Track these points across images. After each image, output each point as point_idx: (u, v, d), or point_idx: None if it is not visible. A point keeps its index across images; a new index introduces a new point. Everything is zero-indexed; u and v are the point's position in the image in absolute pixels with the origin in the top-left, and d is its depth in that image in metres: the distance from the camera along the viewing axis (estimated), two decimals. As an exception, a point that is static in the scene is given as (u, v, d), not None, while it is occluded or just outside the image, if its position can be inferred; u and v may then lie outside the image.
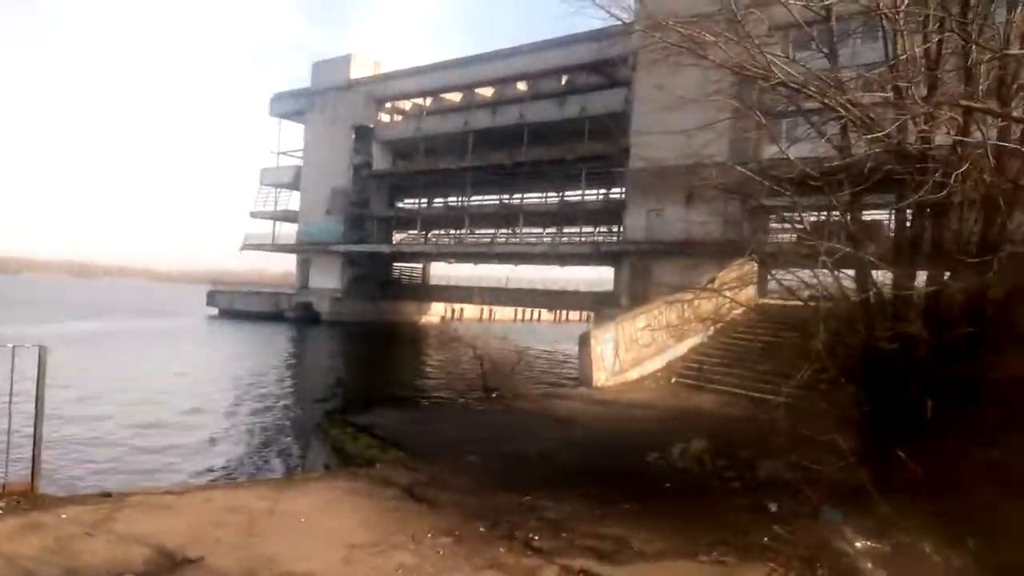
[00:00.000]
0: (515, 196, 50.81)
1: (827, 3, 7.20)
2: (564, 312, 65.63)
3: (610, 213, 41.97)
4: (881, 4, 7.17)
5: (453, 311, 63.02)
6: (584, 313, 47.71)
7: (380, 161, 53.87)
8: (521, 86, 47.32)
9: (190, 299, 69.87)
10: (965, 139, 5.38)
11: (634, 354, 18.13)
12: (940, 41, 6.81)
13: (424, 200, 58.00)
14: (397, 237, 57.95)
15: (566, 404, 15.19)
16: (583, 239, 46.40)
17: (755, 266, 11.89)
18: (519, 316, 68.56)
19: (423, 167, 50.90)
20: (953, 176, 5.76)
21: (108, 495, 7.34)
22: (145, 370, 26.12)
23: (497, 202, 50.37)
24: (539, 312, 68.24)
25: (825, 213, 9.04)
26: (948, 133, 6.54)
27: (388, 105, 55.49)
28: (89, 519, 6.49)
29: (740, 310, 13.44)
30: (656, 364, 18.53)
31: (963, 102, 5.79)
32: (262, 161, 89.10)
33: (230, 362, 30.48)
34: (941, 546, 6.11)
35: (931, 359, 6.75)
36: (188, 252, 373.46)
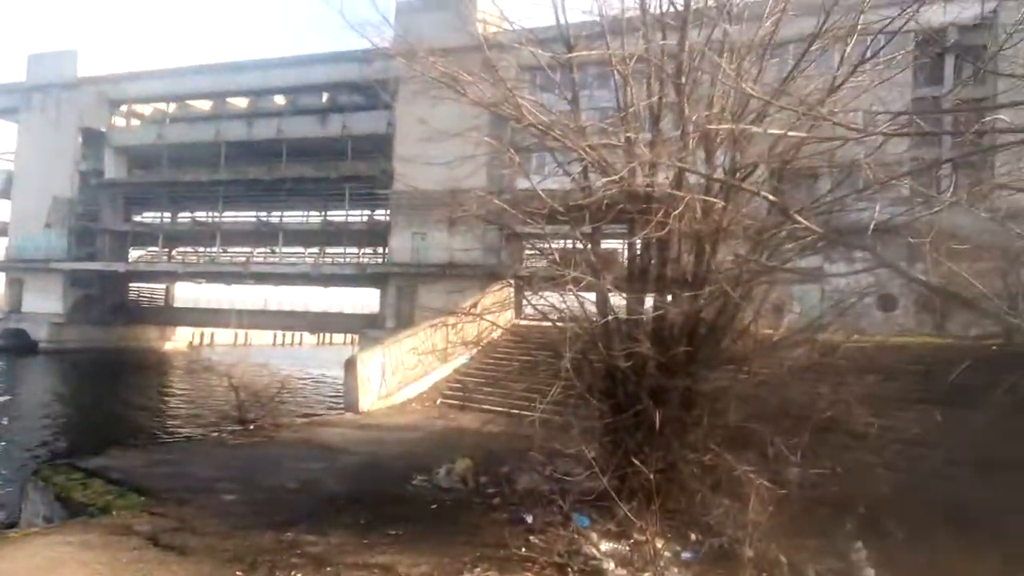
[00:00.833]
0: (274, 214, 48.43)
1: (569, 56, 7.99)
2: (328, 335, 63.69)
3: (375, 234, 41.74)
4: (613, 59, 8.17)
5: (203, 336, 58.05)
6: (349, 336, 46.74)
7: (114, 169, 48.13)
8: (279, 99, 45.44)
9: None
10: (676, 192, 6.30)
11: (400, 377, 18.23)
12: (660, 97, 7.90)
13: (168, 214, 52.87)
14: (135, 254, 52.01)
15: (331, 431, 14.81)
16: (348, 260, 45.54)
17: (512, 290, 12.66)
18: (279, 340, 65.16)
19: (167, 178, 46.47)
20: (671, 216, 6.71)
21: None
22: None
23: (254, 219, 47.52)
24: (301, 336, 65.47)
25: (571, 242, 9.96)
26: (667, 178, 7.59)
27: (125, 108, 49.99)
28: None
29: (500, 332, 14.18)
30: (423, 386, 18.80)
31: (676, 163, 6.79)
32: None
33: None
34: (670, 541, 7.02)
35: (658, 374, 7.73)
36: None
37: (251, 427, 14.89)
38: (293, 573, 6.41)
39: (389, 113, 37.71)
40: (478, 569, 6.61)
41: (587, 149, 7.24)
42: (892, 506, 5.03)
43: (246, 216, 48.53)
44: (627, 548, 6.89)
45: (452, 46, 9.58)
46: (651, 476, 6.77)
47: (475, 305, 11.26)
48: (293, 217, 48.89)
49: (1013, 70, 5.48)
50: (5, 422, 22.99)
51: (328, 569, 6.56)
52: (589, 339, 8.27)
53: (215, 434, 15.69)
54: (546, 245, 9.25)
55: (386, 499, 9.31)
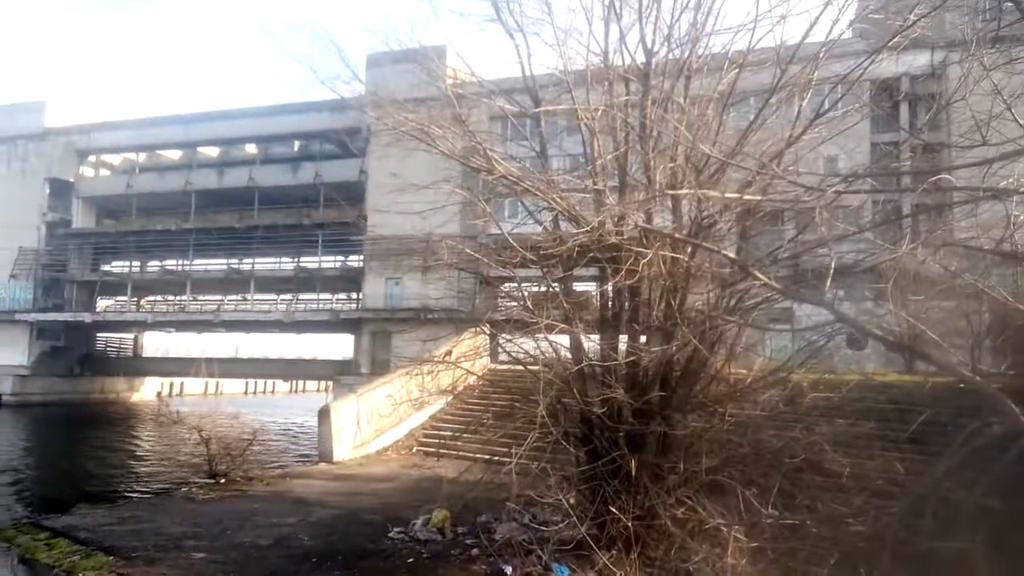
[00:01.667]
0: (246, 261, 48.09)
1: (536, 110, 8.21)
2: (301, 383, 62.79)
3: (349, 280, 41.63)
4: (579, 112, 8.40)
5: (172, 386, 56.81)
6: (323, 383, 46.15)
7: (82, 219, 47.68)
8: (251, 148, 45.55)
9: None
10: (643, 249, 6.46)
11: (376, 425, 18.02)
12: (626, 149, 8.12)
13: (137, 263, 52.21)
14: (103, 304, 51.13)
15: (305, 483, 14.54)
16: (321, 306, 45.22)
17: (487, 336, 12.67)
18: (251, 388, 64.02)
19: (136, 227, 46.10)
20: (641, 264, 6.84)
21: None
22: None
23: (225, 267, 47.10)
24: (274, 383, 64.49)
25: (544, 287, 10.05)
26: (636, 225, 7.76)
27: (93, 158, 49.72)
28: None
29: (475, 378, 14.14)
30: (398, 433, 18.59)
31: (642, 222, 7.00)
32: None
33: None
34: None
35: (633, 420, 7.77)
36: None
37: (222, 481, 14.56)
38: (266, 636, 6.25)
39: (361, 161, 38.00)
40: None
41: (557, 199, 7.39)
42: (863, 555, 5.10)
43: (217, 264, 48.07)
44: (607, 598, 6.84)
45: (422, 97, 9.78)
46: (629, 524, 6.75)
47: (450, 352, 11.27)
48: (265, 264, 48.54)
49: (962, 121, 5.74)
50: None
51: (303, 630, 6.40)
52: (564, 385, 8.30)
53: (185, 489, 15.29)
54: (519, 291, 9.34)
55: (362, 554, 9.14)
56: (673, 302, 7.56)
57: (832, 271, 5.17)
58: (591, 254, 7.62)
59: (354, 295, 42.47)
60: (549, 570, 7.35)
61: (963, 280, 5.98)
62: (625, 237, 7.50)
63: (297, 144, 44.69)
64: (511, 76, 9.29)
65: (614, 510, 6.94)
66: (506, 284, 10.29)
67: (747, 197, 6.35)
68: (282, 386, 65.70)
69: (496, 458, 14.40)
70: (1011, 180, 5.03)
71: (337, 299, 45.81)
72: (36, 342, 46.22)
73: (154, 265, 51.79)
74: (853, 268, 6.89)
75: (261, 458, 18.01)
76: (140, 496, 18.04)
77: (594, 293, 11.67)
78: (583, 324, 8.38)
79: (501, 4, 8.48)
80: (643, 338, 8.40)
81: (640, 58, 8.26)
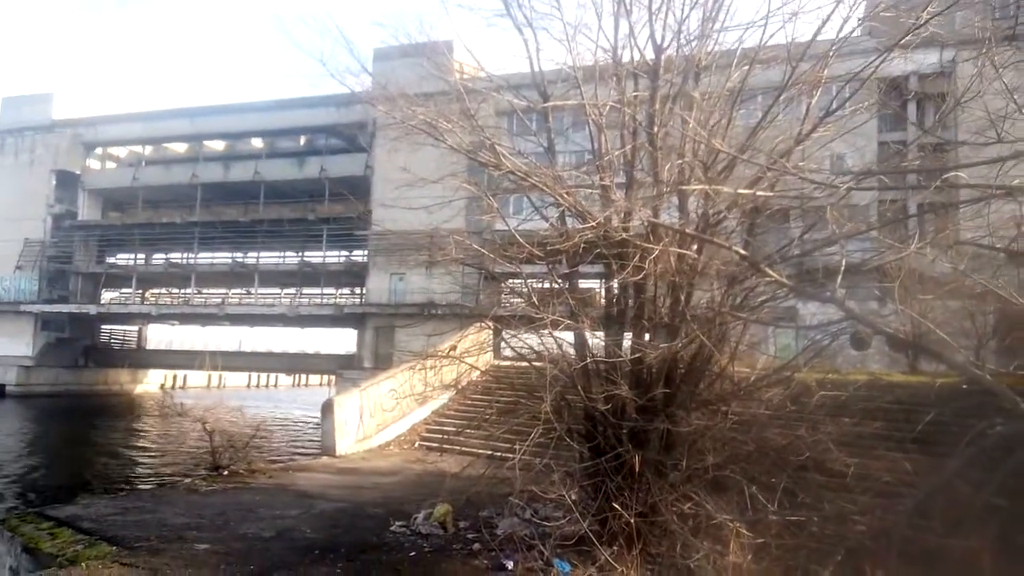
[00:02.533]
0: (251, 255, 48.18)
1: (544, 105, 8.18)
2: (304, 376, 62.87)
3: (353, 275, 41.67)
4: (587, 108, 8.37)
5: (175, 379, 57.01)
6: (326, 377, 46.23)
7: (88, 211, 47.87)
8: (257, 142, 45.59)
9: None
10: (650, 245, 6.43)
11: (379, 419, 18.04)
12: (634, 146, 8.10)
13: (142, 256, 52.38)
14: (107, 296, 51.35)
15: (308, 476, 14.56)
16: (325, 300, 45.30)
17: (491, 332, 12.66)
18: (254, 382, 64.19)
19: (142, 220, 46.23)
20: (647, 260, 6.82)
21: None
22: None
23: (230, 260, 47.23)
24: (277, 377, 64.61)
25: (549, 283, 10.04)
26: (642, 222, 7.74)
27: (100, 151, 49.83)
28: None
29: (479, 373, 14.13)
30: (401, 428, 18.61)
31: (650, 216, 6.96)
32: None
33: None
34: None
35: (637, 416, 7.75)
36: None
37: (225, 473, 14.58)
38: (269, 627, 6.26)
39: (367, 156, 38.02)
40: (458, 619, 6.49)
41: (563, 195, 7.37)
42: (868, 553, 5.08)
43: (222, 257, 48.27)
44: (608, 594, 6.83)
45: (430, 92, 9.76)
46: (631, 520, 6.74)
47: (453, 348, 11.27)
48: (270, 258, 48.67)
49: (972, 120, 5.72)
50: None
51: (305, 622, 6.41)
52: (568, 381, 8.29)
53: (188, 480, 15.34)
54: (524, 287, 9.32)
55: (364, 547, 9.14)
56: (679, 299, 7.54)
57: (843, 268, 5.14)
58: (597, 250, 7.61)
59: (358, 290, 42.52)
60: (551, 565, 7.33)
61: (971, 280, 5.96)
62: (631, 233, 7.49)
63: (303, 139, 44.73)
64: (519, 71, 9.27)
65: (616, 506, 6.93)
66: (511, 280, 10.28)
67: (759, 193, 6.32)
68: (285, 380, 65.88)
69: (499, 454, 14.43)
70: (1022, 179, 5.00)
71: (341, 294, 45.88)
72: (41, 333, 46.45)
73: (159, 258, 52.01)
74: (860, 267, 6.87)
75: (264, 451, 18.06)
76: (143, 487, 18.12)
77: (599, 289, 11.68)
78: (588, 320, 8.35)
79: (511, -1, 8.45)
80: (647, 335, 8.39)
81: (649, 54, 8.22)
